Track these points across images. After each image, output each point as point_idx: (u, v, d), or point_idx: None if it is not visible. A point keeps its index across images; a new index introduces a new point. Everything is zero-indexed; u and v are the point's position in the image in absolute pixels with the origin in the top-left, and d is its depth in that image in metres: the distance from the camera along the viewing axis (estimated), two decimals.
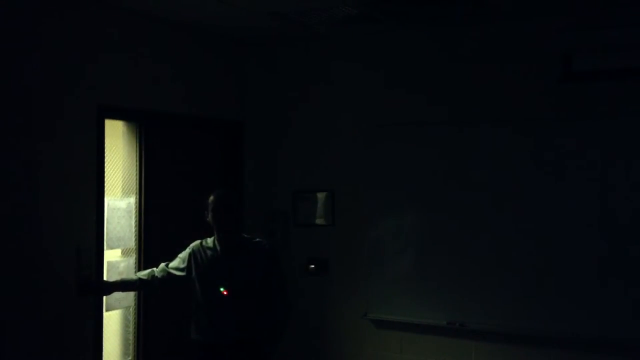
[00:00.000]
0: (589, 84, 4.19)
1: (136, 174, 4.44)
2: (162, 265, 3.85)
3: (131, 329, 4.41)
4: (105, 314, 4.11)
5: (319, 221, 5.00)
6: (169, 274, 3.81)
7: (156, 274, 3.83)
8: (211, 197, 3.66)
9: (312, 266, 4.97)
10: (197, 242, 3.79)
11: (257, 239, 3.76)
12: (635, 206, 4.01)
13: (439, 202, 4.52)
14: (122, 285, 3.94)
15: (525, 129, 4.32)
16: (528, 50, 4.34)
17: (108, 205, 4.12)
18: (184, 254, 3.79)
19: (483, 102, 4.48)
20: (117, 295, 4.07)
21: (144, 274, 3.89)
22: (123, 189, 4.37)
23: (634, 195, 4.01)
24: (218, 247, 3.69)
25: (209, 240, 3.75)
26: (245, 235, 3.79)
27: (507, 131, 4.37)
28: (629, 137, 4.06)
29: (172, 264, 3.82)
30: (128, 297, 4.32)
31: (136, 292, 4.32)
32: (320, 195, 4.99)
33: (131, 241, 4.38)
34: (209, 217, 3.65)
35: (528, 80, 4.34)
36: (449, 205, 4.49)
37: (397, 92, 4.75)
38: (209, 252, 3.71)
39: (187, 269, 3.74)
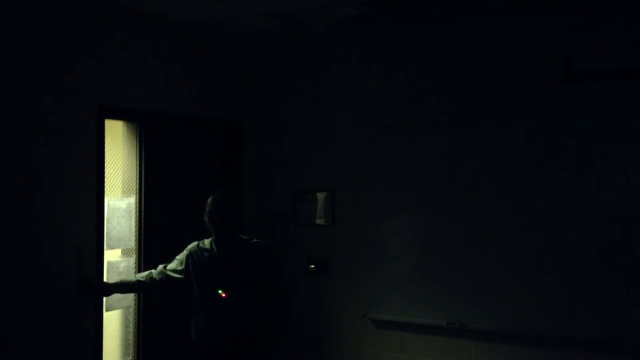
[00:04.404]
0: (589, 84, 4.18)
1: (136, 174, 4.44)
2: (160, 267, 3.85)
3: (131, 329, 4.41)
4: (105, 314, 4.11)
5: (319, 221, 4.99)
6: (167, 276, 3.80)
7: (154, 276, 3.83)
8: (209, 199, 3.66)
9: (312, 266, 4.97)
10: (194, 243, 3.78)
11: (255, 240, 3.75)
12: (636, 205, 4.01)
13: (438, 202, 4.52)
14: (121, 287, 3.95)
15: (525, 129, 4.32)
16: (528, 50, 4.34)
17: (108, 205, 4.12)
18: (181, 256, 3.78)
19: (483, 102, 4.48)
20: (117, 295, 4.07)
21: (142, 276, 3.89)
22: (123, 189, 4.38)
23: (634, 194, 4.01)
24: (215, 249, 3.68)
25: (206, 242, 3.74)
26: (243, 237, 3.78)
27: (507, 131, 4.37)
28: (629, 137, 4.06)
29: (170, 266, 3.81)
30: (128, 297, 4.32)
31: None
32: (320, 195, 4.99)
33: (131, 241, 4.39)
34: (206, 218, 3.65)
35: (528, 80, 4.34)
36: (449, 205, 4.49)
37: (397, 92, 4.75)
38: (206, 254, 3.70)
39: (185, 271, 3.74)
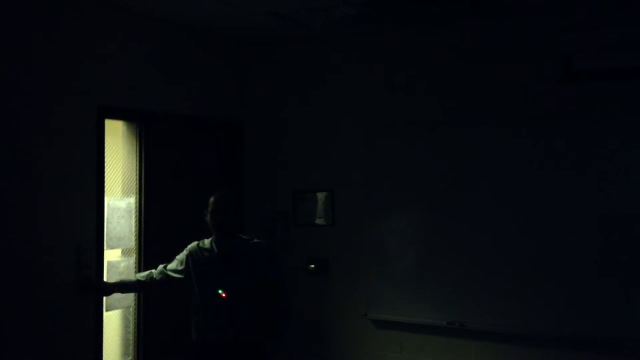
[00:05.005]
0: (589, 84, 4.18)
1: (136, 174, 4.44)
2: (161, 267, 3.85)
3: (131, 329, 4.41)
4: (105, 314, 4.11)
5: (319, 221, 4.99)
6: (167, 276, 3.80)
7: (155, 276, 3.83)
8: (211, 199, 3.66)
9: (312, 266, 4.97)
10: (194, 243, 3.78)
11: (256, 240, 3.75)
12: (636, 205, 4.01)
13: (438, 202, 4.52)
14: (121, 287, 3.95)
15: (525, 129, 4.32)
16: (528, 50, 4.34)
17: (108, 205, 4.12)
18: (181, 256, 3.78)
19: (483, 102, 4.48)
20: (117, 295, 4.07)
21: (142, 275, 3.89)
22: (123, 189, 4.38)
23: (634, 195, 4.01)
24: (215, 249, 3.68)
25: (207, 242, 3.74)
26: (244, 237, 3.78)
27: (507, 131, 4.37)
28: (629, 137, 4.06)
29: (170, 266, 3.81)
30: (128, 297, 4.32)
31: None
32: (320, 195, 4.99)
33: (131, 241, 4.39)
34: (207, 218, 3.65)
35: (528, 80, 4.34)
36: (449, 205, 4.48)
37: (397, 92, 4.74)
38: (206, 254, 3.70)
39: (185, 271, 3.74)
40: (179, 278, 3.76)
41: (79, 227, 3.82)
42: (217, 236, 3.67)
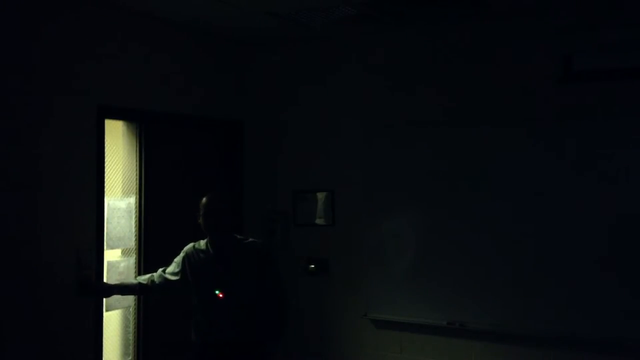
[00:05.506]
0: (589, 84, 4.18)
1: (136, 174, 4.44)
2: (160, 271, 3.86)
3: (131, 329, 4.41)
4: (105, 314, 4.11)
5: (319, 221, 4.99)
6: (167, 279, 3.80)
7: (155, 280, 3.83)
8: (203, 200, 3.66)
9: (312, 266, 4.97)
10: (190, 245, 3.78)
11: (250, 239, 3.75)
12: (636, 205, 4.01)
13: (438, 202, 4.52)
14: (122, 289, 3.95)
15: (525, 129, 4.32)
16: (528, 50, 4.34)
17: (108, 205, 4.12)
18: (178, 259, 3.79)
19: (483, 103, 4.48)
20: (116, 295, 4.07)
21: (143, 279, 3.89)
22: (123, 189, 4.38)
23: (634, 195, 4.01)
24: (211, 250, 3.68)
25: (202, 243, 3.74)
26: (238, 236, 3.77)
27: (507, 131, 4.37)
28: (629, 137, 4.06)
29: (169, 269, 3.82)
30: (128, 297, 4.32)
31: None
32: (320, 195, 4.99)
33: (131, 241, 4.39)
34: (200, 220, 3.65)
35: (528, 80, 4.34)
36: (449, 205, 4.48)
37: (397, 92, 4.74)
38: (202, 255, 3.70)
39: (182, 273, 3.74)
40: (177, 280, 3.77)
41: (79, 227, 3.82)
42: (211, 237, 3.68)
